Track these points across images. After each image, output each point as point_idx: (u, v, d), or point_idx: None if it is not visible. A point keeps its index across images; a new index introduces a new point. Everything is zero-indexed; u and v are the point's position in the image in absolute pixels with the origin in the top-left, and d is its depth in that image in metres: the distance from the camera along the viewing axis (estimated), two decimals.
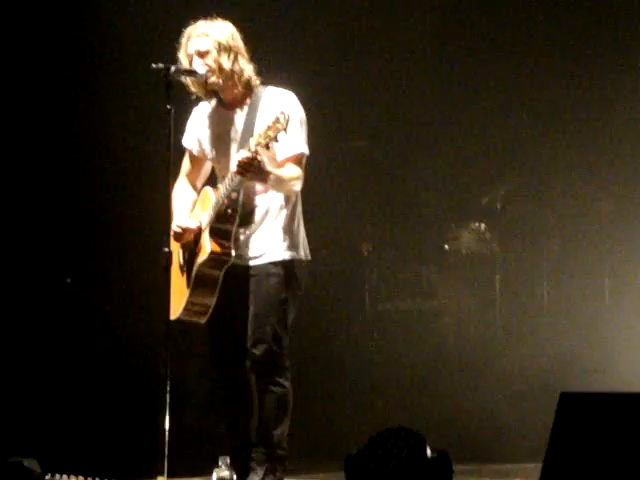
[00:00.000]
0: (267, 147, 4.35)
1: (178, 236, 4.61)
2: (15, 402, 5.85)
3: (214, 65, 4.57)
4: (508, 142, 7.13)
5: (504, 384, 6.43)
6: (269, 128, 4.32)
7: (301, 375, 4.90)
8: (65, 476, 3.81)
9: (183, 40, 4.61)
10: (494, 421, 6.10)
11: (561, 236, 7.07)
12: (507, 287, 7.05)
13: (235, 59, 4.59)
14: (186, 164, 4.81)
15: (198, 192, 4.78)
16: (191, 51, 4.59)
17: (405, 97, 7.14)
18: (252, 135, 4.43)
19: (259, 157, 4.36)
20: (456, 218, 7.21)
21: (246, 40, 4.64)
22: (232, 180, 4.48)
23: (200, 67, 4.57)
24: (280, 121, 4.28)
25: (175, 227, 4.59)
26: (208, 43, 4.57)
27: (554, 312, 6.90)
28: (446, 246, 7.20)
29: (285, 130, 4.29)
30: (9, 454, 3.98)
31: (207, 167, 4.81)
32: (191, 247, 4.65)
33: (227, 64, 4.57)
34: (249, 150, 4.36)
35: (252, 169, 4.37)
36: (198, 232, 4.62)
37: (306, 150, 4.60)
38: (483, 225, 7.19)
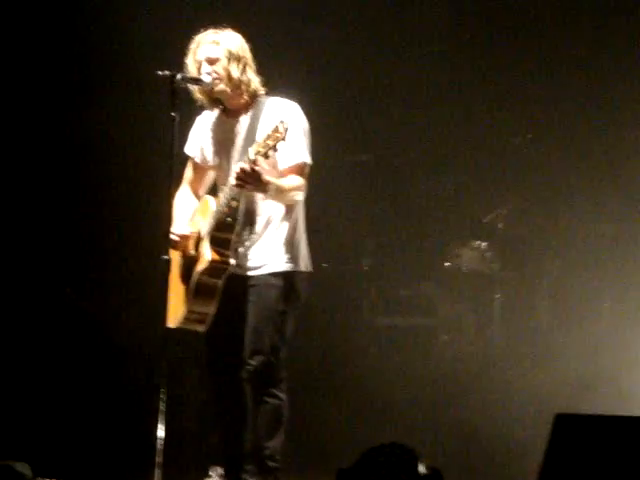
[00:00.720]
0: (266, 156, 4.34)
1: (175, 244, 4.61)
2: (8, 406, 5.84)
3: (223, 73, 4.58)
4: (511, 161, 7.12)
5: (501, 403, 6.40)
6: (268, 137, 4.31)
7: (297, 387, 4.87)
8: None
9: (192, 46, 4.62)
10: (490, 440, 6.07)
11: (562, 256, 7.06)
12: (507, 306, 7.04)
13: (244, 69, 4.60)
14: (188, 172, 4.81)
15: (200, 200, 4.78)
16: (200, 57, 4.59)
17: (410, 114, 7.14)
18: (253, 143, 4.43)
19: (257, 167, 4.36)
20: (457, 236, 7.20)
21: (253, 51, 4.66)
22: (231, 189, 4.48)
23: (206, 75, 4.58)
24: (279, 130, 4.28)
25: (173, 235, 4.59)
26: (219, 51, 4.58)
27: (553, 332, 6.88)
28: (446, 263, 7.19)
29: (284, 139, 4.29)
30: (0, 457, 3.97)
31: (209, 175, 4.81)
32: (191, 255, 4.64)
33: (236, 73, 4.58)
34: (248, 160, 4.36)
35: (250, 180, 4.37)
36: (197, 240, 4.62)
37: (308, 159, 4.60)
38: (484, 243, 7.18)
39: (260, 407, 4.59)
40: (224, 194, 4.54)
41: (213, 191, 4.76)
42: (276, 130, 4.29)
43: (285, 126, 4.27)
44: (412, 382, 6.57)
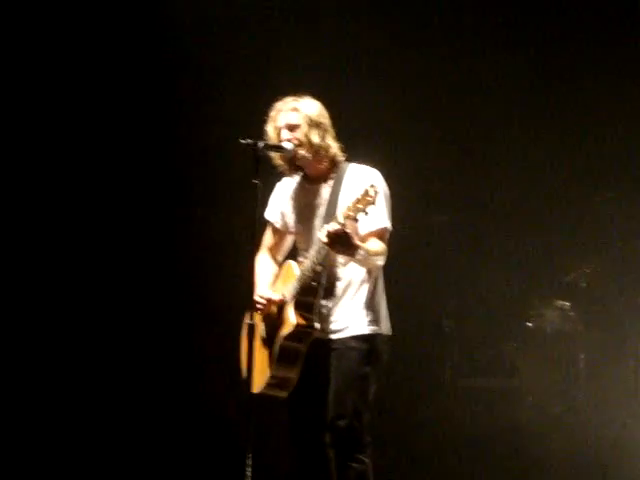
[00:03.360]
0: (355, 220, 4.36)
1: (260, 308, 4.63)
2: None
3: (304, 139, 4.63)
4: (594, 220, 7.06)
5: (589, 466, 6.27)
6: (358, 201, 4.34)
7: (381, 451, 4.83)
8: None
9: (272, 114, 4.68)
10: None
11: None
12: (591, 366, 6.92)
13: (323, 135, 4.65)
14: (268, 238, 4.85)
15: (279, 265, 4.81)
16: (280, 124, 4.66)
17: (486, 172, 7.14)
18: (336, 209, 4.46)
19: (347, 229, 4.38)
20: (540, 295, 7.13)
21: (332, 118, 4.71)
22: (319, 252, 4.49)
23: (287, 142, 4.65)
24: (370, 194, 4.31)
25: (257, 297, 4.62)
26: (299, 118, 4.64)
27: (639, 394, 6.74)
28: (529, 323, 7.11)
29: (374, 203, 4.31)
30: None
31: (289, 241, 4.84)
32: (274, 320, 4.65)
33: (316, 139, 4.63)
34: (337, 222, 4.39)
35: (340, 241, 4.38)
36: (281, 305, 4.64)
37: (389, 225, 4.61)
38: (567, 303, 7.10)
39: (345, 472, 4.55)
40: (310, 258, 4.55)
41: (290, 257, 4.79)
42: (366, 194, 4.32)
43: (376, 190, 4.31)
44: (497, 444, 6.48)
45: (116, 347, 6.61)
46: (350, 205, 4.36)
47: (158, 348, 6.73)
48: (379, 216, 4.56)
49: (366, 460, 4.56)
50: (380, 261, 4.60)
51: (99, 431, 6.23)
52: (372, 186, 4.32)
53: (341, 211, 4.39)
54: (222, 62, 6.80)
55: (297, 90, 4.70)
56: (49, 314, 6.44)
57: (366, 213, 4.34)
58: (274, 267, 4.81)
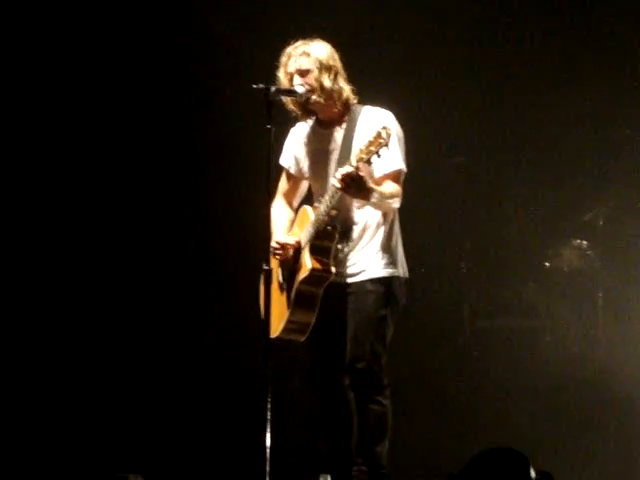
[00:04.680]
0: (369, 162, 4.35)
1: (277, 253, 4.64)
2: (121, 418, 5.96)
3: (315, 84, 4.60)
4: (610, 157, 7.00)
5: (608, 404, 6.29)
6: (371, 143, 4.32)
7: (400, 393, 4.86)
8: None
9: (283, 59, 4.65)
10: (598, 443, 5.97)
11: None
12: (610, 305, 6.91)
13: (335, 78, 4.62)
14: (283, 183, 4.85)
15: (295, 211, 4.82)
16: (292, 70, 4.63)
17: (504, 111, 7.08)
18: (350, 152, 4.44)
19: (361, 172, 4.37)
20: (557, 235, 7.11)
21: (343, 60, 4.68)
22: (333, 196, 4.49)
23: (299, 86, 4.62)
24: (382, 136, 4.29)
25: (274, 243, 4.62)
26: (310, 62, 4.61)
27: None
28: (547, 263, 7.10)
29: (387, 145, 4.29)
30: (115, 469, 4.06)
31: (304, 186, 4.84)
32: (290, 265, 4.67)
33: (328, 83, 4.60)
34: (350, 165, 4.37)
35: (354, 184, 4.37)
36: (297, 250, 4.65)
37: (404, 167, 4.60)
38: (585, 242, 7.07)
39: (364, 414, 4.59)
40: (324, 203, 4.55)
41: (306, 202, 4.79)
42: (379, 136, 4.30)
43: (388, 132, 4.28)
44: (515, 384, 6.50)
45: (135, 294, 6.64)
46: (362, 148, 4.35)
47: (177, 296, 6.76)
48: (393, 158, 4.54)
49: (385, 402, 4.59)
50: (395, 203, 4.59)
51: (120, 377, 6.30)
52: (384, 128, 4.30)
53: (354, 154, 4.38)
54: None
55: (307, 34, 4.66)
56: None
57: (379, 155, 4.32)
58: (290, 213, 4.82)
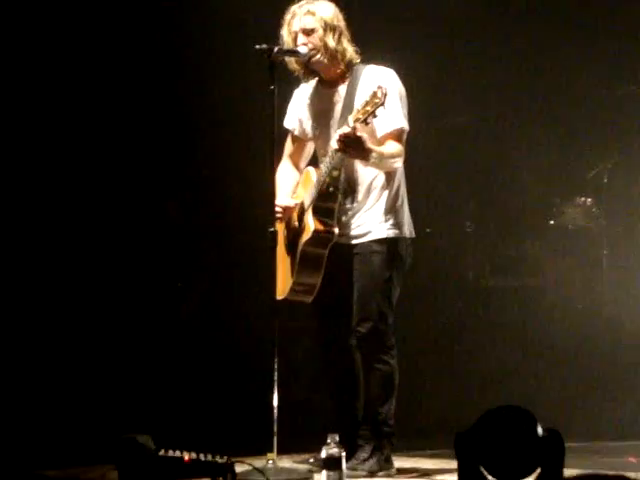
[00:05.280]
0: (366, 122, 4.33)
1: (279, 216, 4.65)
2: (129, 380, 6.00)
3: (319, 43, 4.58)
4: (615, 114, 6.96)
5: (612, 361, 6.32)
6: (367, 103, 4.30)
7: (406, 353, 4.88)
8: (178, 452, 3.89)
9: (287, 18, 4.62)
10: (604, 399, 6.00)
11: None
12: (614, 262, 6.91)
13: (339, 38, 4.60)
14: (288, 145, 4.84)
15: (301, 173, 4.81)
16: (296, 29, 4.60)
17: (506, 71, 7.04)
18: (351, 112, 4.43)
19: (358, 133, 4.35)
20: (562, 193, 7.09)
21: (347, 20, 4.65)
22: (333, 157, 4.48)
23: (303, 46, 4.59)
24: (378, 95, 4.26)
25: (276, 207, 4.63)
26: (314, 21, 4.58)
27: None
28: (551, 221, 7.09)
29: (383, 105, 4.26)
30: (123, 431, 4.08)
31: (309, 148, 4.83)
32: (295, 227, 4.68)
33: (332, 43, 4.58)
34: (348, 126, 4.36)
35: (352, 145, 4.36)
36: (301, 211, 4.66)
37: (406, 125, 4.57)
38: (589, 199, 7.05)
39: (371, 374, 4.62)
40: (325, 163, 4.55)
41: (313, 164, 4.78)
42: (375, 96, 4.28)
43: (384, 91, 4.26)
44: (521, 342, 6.52)
45: (143, 256, 6.65)
46: (359, 108, 4.33)
47: (185, 259, 6.77)
48: (394, 117, 4.52)
49: (391, 362, 4.62)
50: (397, 163, 4.58)
51: (128, 339, 6.33)
52: (379, 87, 4.27)
53: (351, 114, 4.36)
54: None
55: None
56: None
57: (375, 115, 4.29)
58: (296, 175, 4.81)
